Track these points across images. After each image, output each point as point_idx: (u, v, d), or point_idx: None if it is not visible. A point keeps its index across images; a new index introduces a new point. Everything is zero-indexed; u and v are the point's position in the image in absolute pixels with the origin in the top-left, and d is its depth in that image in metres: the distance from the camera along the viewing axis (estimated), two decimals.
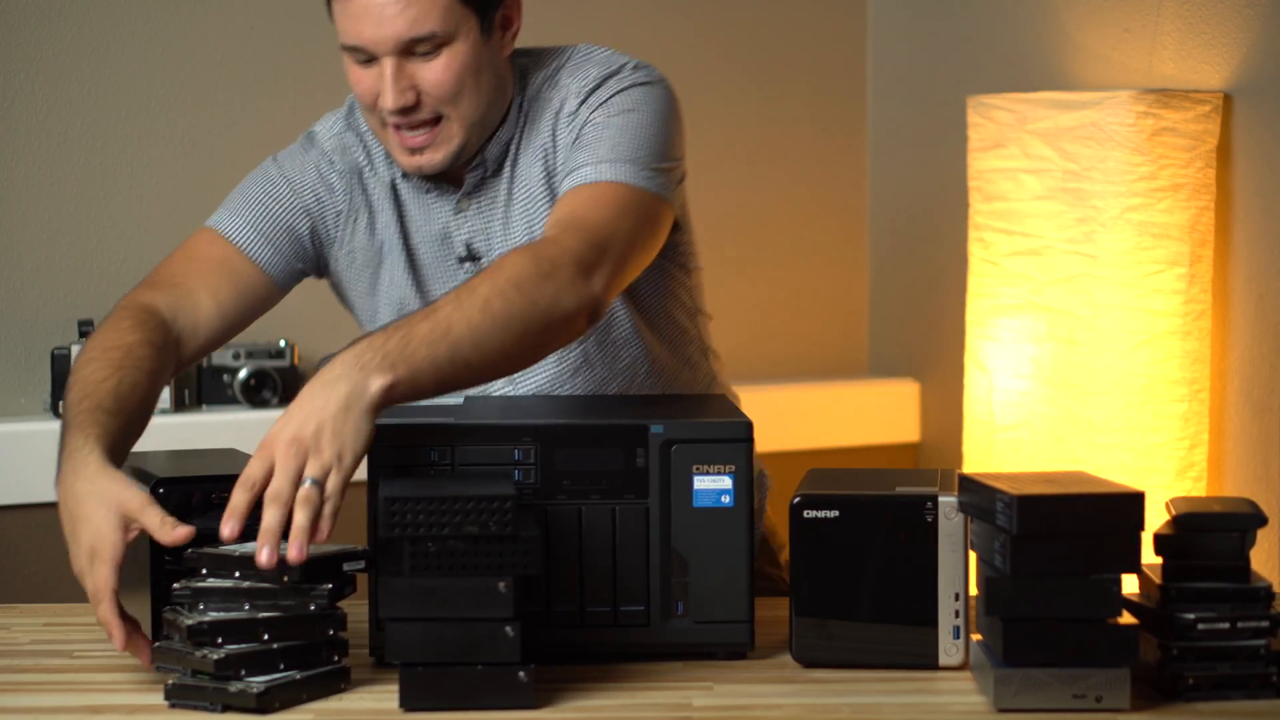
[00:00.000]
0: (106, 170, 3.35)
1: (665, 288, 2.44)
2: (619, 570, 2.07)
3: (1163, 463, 2.89)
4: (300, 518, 1.92)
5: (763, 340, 3.81)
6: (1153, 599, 1.98)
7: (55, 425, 3.23)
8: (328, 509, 1.94)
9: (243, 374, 3.30)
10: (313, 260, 2.43)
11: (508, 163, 2.35)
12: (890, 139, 3.81)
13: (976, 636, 2.01)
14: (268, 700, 1.89)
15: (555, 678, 2.00)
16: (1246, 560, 1.97)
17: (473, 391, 2.35)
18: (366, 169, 2.41)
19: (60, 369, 3.25)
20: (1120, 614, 1.90)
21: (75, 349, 3.24)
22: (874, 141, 3.84)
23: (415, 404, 2.26)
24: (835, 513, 2.04)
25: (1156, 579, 1.97)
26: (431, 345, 2.00)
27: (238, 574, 1.93)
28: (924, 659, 2.03)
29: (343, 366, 1.96)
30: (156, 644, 1.95)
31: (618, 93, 2.31)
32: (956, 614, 2.02)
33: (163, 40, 3.37)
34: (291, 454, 1.93)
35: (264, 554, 1.90)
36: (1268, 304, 2.85)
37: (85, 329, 3.27)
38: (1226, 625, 1.94)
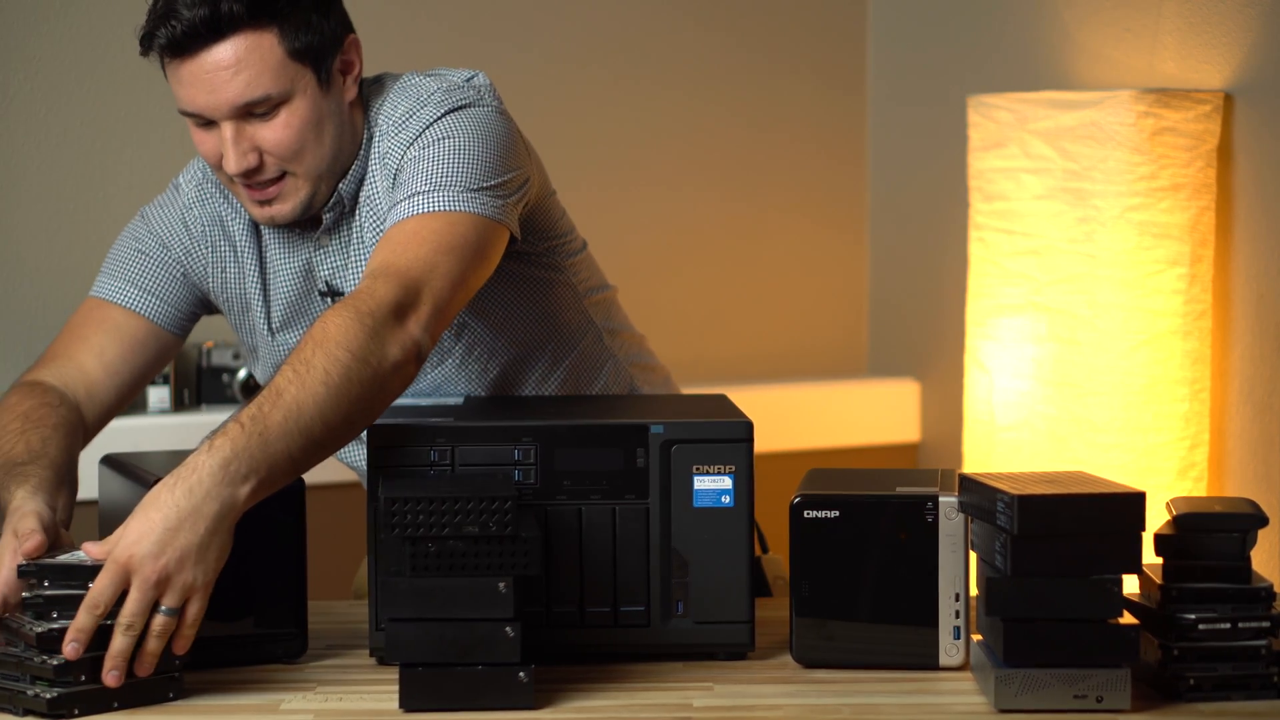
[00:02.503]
0: (106, 170, 3.35)
1: (535, 292, 2.42)
2: (619, 570, 2.07)
3: (1163, 463, 2.89)
4: (154, 646, 1.91)
5: (763, 340, 3.81)
6: (1153, 599, 1.98)
7: None
8: (188, 633, 1.93)
9: (242, 374, 3.30)
10: (200, 302, 2.44)
11: (360, 200, 2.34)
12: (890, 139, 3.81)
13: (977, 637, 2.01)
14: (60, 705, 1.87)
15: (555, 678, 2.00)
16: (1247, 560, 1.97)
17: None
18: (228, 214, 2.41)
19: None
20: (1121, 614, 1.90)
21: None
22: (874, 141, 3.84)
23: (415, 404, 2.26)
24: (835, 513, 2.03)
25: (1157, 579, 1.97)
26: (287, 437, 1.97)
27: (91, 584, 1.91)
28: (924, 659, 2.03)
29: (211, 480, 1.93)
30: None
31: (430, 124, 2.28)
32: (957, 614, 2.02)
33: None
34: (152, 582, 1.90)
35: (111, 677, 1.89)
36: (1268, 304, 2.85)
37: None
38: (1227, 625, 1.94)
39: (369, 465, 2.06)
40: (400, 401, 2.27)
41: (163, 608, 1.91)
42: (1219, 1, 2.91)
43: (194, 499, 1.92)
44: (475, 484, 1.96)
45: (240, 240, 2.40)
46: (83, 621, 1.89)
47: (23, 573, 1.92)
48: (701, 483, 2.07)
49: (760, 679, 2.02)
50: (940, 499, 2.02)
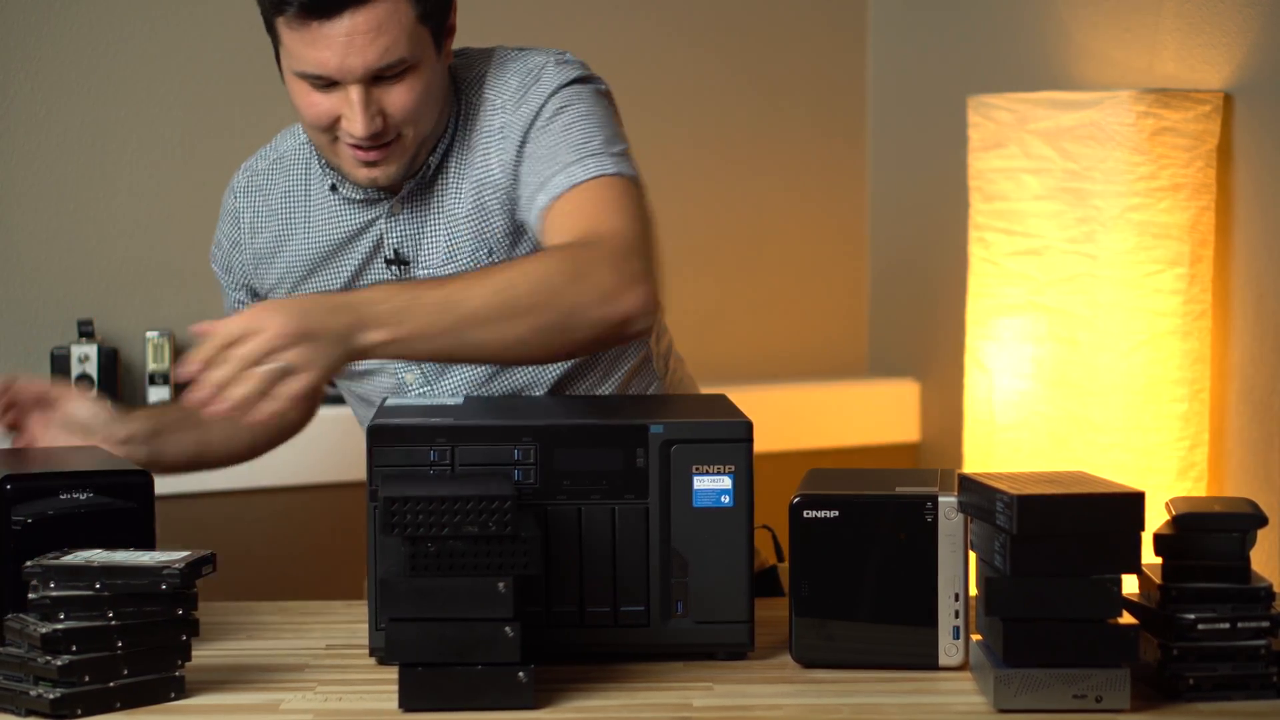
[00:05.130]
0: (106, 170, 3.35)
1: None
2: (619, 570, 2.07)
3: (1163, 463, 2.89)
4: (257, 386, 1.97)
5: (763, 340, 3.81)
6: (1153, 599, 1.98)
7: None
8: (276, 406, 1.99)
9: None
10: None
11: (441, 171, 2.34)
12: (890, 139, 3.81)
13: (976, 637, 2.01)
14: (63, 706, 1.88)
15: (555, 678, 2.00)
16: (1247, 560, 1.97)
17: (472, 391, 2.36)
18: (280, 198, 2.42)
19: (60, 369, 3.24)
20: (1120, 614, 1.90)
21: (75, 349, 3.25)
22: (874, 142, 3.84)
23: (415, 404, 2.26)
24: (835, 513, 2.03)
25: (1156, 579, 1.97)
26: (428, 331, 2.03)
27: (98, 585, 1.91)
28: (924, 659, 2.03)
29: (346, 309, 2.01)
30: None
31: (552, 94, 2.29)
32: (956, 614, 2.02)
33: (163, 40, 3.37)
34: (281, 340, 1.97)
35: (222, 406, 1.96)
36: (1268, 304, 2.85)
37: (85, 329, 3.27)
38: (1227, 625, 1.94)
39: (369, 465, 2.06)
40: (400, 402, 2.27)
41: (272, 364, 1.97)
42: (1219, 1, 2.91)
43: (326, 313, 2.00)
44: (475, 484, 1.96)
45: (303, 212, 2.40)
46: (208, 351, 1.97)
47: (27, 574, 1.92)
48: (701, 483, 2.07)
49: (760, 679, 2.02)
50: (940, 499, 2.02)
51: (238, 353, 1.97)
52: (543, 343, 2.11)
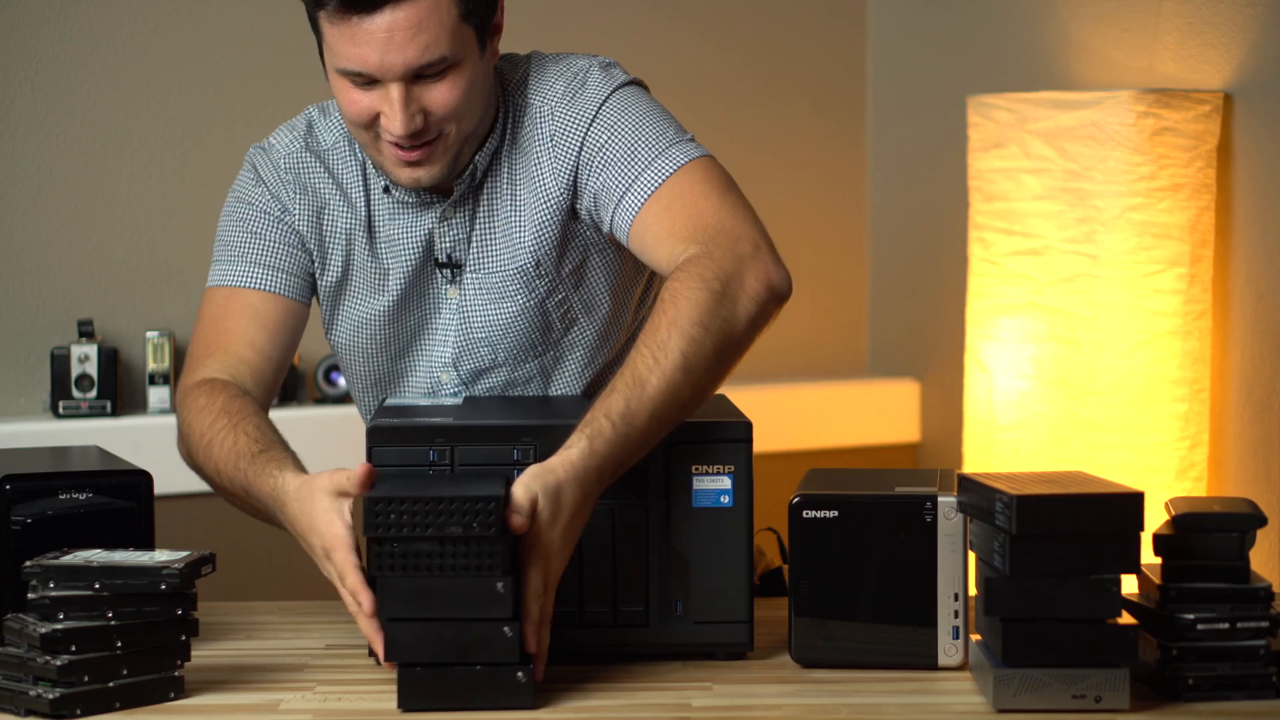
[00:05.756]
0: (106, 170, 3.35)
1: (629, 286, 2.42)
2: (619, 570, 2.07)
3: (1163, 463, 2.89)
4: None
5: (763, 340, 3.81)
6: (1152, 599, 1.98)
7: (55, 425, 3.24)
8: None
9: None
10: (313, 263, 2.40)
11: (491, 173, 2.32)
12: (890, 139, 3.81)
13: (976, 637, 2.01)
14: (63, 706, 1.88)
15: (555, 678, 2.00)
16: (1246, 560, 1.97)
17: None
18: (329, 188, 2.36)
19: (60, 369, 3.24)
20: (1120, 614, 1.90)
21: (75, 349, 3.24)
22: (874, 141, 3.84)
23: (415, 404, 2.26)
24: (835, 513, 2.03)
25: (1156, 579, 1.97)
26: (648, 430, 2.02)
27: (98, 585, 1.91)
28: (924, 659, 2.03)
29: (594, 484, 1.99)
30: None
31: (606, 100, 2.28)
32: (956, 614, 2.02)
33: (163, 40, 3.37)
34: (566, 559, 1.99)
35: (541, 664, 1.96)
36: (1268, 304, 2.85)
37: (85, 329, 3.27)
38: (1226, 625, 1.94)
39: (369, 465, 2.06)
40: (401, 401, 2.27)
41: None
42: (1219, 1, 2.91)
43: (583, 510, 1.99)
44: (463, 484, 1.95)
45: (352, 211, 2.35)
46: (537, 620, 1.95)
47: (27, 574, 1.92)
48: (701, 483, 2.07)
49: (759, 679, 2.02)
50: (939, 499, 2.02)
51: (549, 610, 1.96)
52: (727, 366, 2.12)
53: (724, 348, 2.08)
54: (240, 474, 2.13)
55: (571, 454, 1.97)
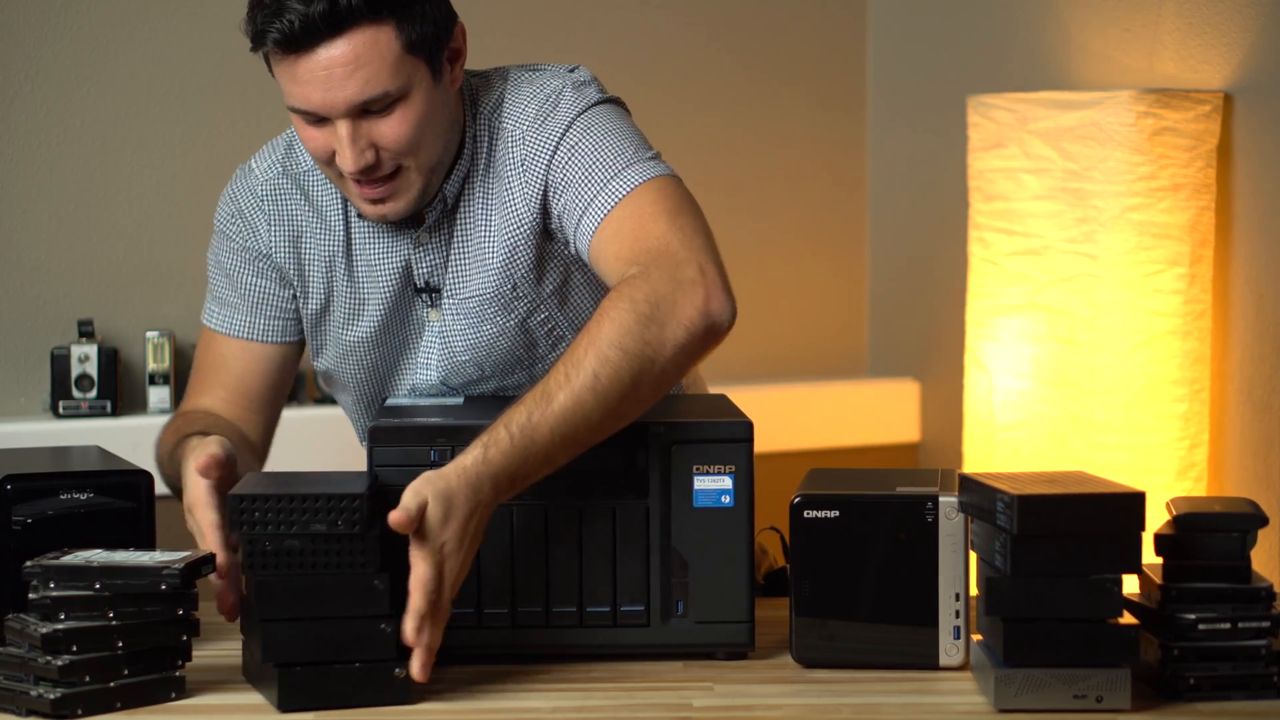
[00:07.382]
0: (106, 170, 3.35)
1: (595, 281, 2.40)
2: (619, 570, 2.07)
3: (1163, 463, 2.89)
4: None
5: (763, 340, 3.81)
6: (1153, 599, 1.98)
7: (55, 425, 3.24)
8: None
9: None
10: (295, 296, 2.40)
11: (465, 197, 2.30)
12: (890, 139, 3.81)
13: (977, 637, 2.01)
14: (63, 706, 1.88)
15: (555, 677, 2.00)
16: (1247, 560, 1.97)
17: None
18: (308, 216, 2.34)
19: (60, 369, 3.24)
20: (1120, 614, 1.90)
21: (75, 349, 3.24)
22: (874, 141, 3.84)
23: (415, 403, 2.26)
24: (835, 513, 2.03)
25: (1157, 579, 1.97)
26: (550, 446, 1.99)
27: (98, 585, 1.91)
28: (924, 659, 2.03)
29: (488, 492, 1.97)
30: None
31: (573, 121, 2.25)
32: (957, 614, 2.02)
33: (163, 40, 3.37)
34: (465, 568, 1.98)
35: (422, 665, 1.93)
36: (1268, 304, 2.85)
37: (85, 329, 3.27)
38: (1227, 625, 1.94)
39: (369, 465, 2.06)
40: (400, 402, 2.27)
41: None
42: (1219, 1, 2.91)
43: (478, 506, 1.97)
44: (329, 483, 1.96)
45: (331, 237, 2.34)
46: (419, 613, 1.92)
47: (27, 574, 1.92)
48: (701, 482, 2.07)
49: (760, 679, 2.02)
50: (940, 499, 2.02)
51: (445, 604, 1.95)
52: (653, 391, 2.07)
53: (642, 371, 2.03)
54: (171, 460, 2.22)
55: (465, 461, 1.97)
